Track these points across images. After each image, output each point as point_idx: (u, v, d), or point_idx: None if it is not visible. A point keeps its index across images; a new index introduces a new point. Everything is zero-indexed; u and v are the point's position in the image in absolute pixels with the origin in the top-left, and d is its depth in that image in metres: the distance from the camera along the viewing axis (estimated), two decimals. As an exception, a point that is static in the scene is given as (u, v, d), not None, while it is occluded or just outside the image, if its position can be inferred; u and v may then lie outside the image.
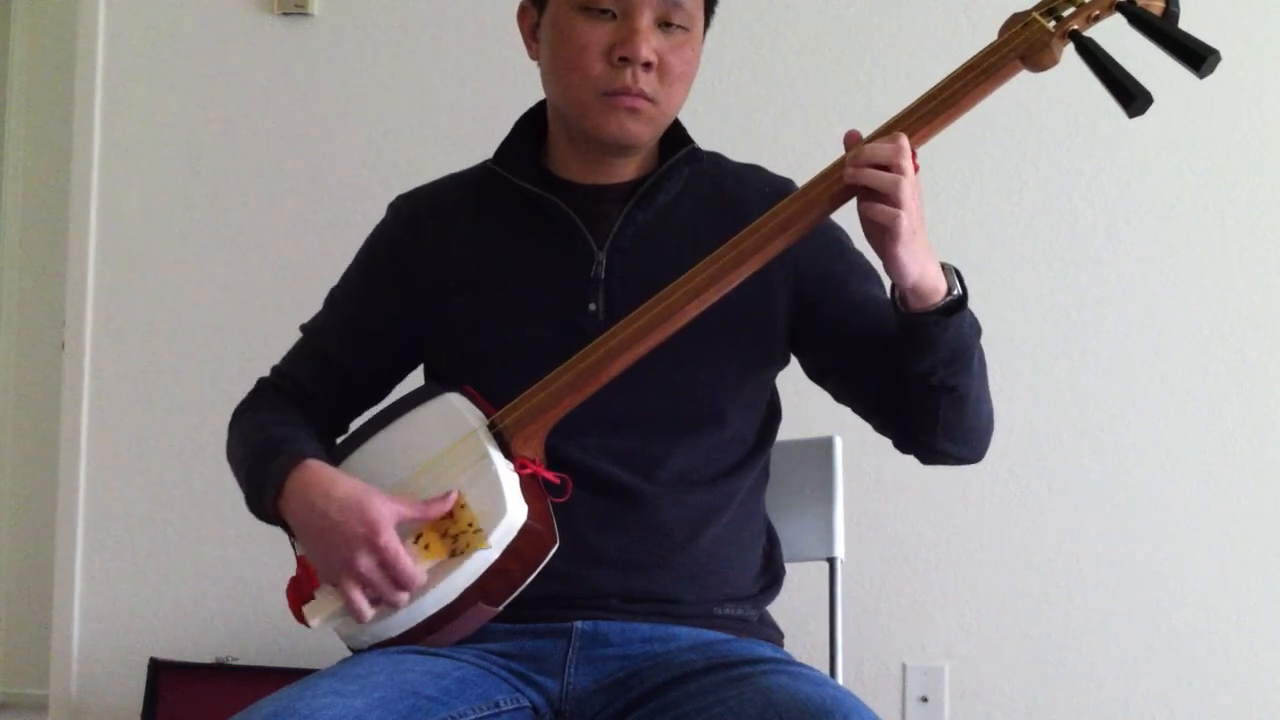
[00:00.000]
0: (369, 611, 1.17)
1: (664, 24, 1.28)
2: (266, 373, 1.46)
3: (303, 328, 1.47)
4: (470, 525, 1.17)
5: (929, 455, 1.34)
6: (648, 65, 1.27)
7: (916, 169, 1.16)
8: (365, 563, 1.15)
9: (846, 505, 1.67)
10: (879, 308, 1.32)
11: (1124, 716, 2.18)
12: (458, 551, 1.17)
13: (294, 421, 1.35)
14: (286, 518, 1.25)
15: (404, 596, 1.16)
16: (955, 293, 1.20)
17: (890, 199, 1.14)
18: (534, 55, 1.36)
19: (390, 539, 1.14)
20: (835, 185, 1.19)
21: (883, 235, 1.15)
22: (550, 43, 1.31)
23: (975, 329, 1.25)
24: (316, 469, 1.23)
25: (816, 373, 1.39)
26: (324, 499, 1.20)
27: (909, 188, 1.14)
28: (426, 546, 1.17)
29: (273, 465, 1.25)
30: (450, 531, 1.18)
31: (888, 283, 1.24)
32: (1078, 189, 2.24)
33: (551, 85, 1.34)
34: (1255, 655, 2.16)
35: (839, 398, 1.39)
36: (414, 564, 1.15)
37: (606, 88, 1.27)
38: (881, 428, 1.36)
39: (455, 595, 1.17)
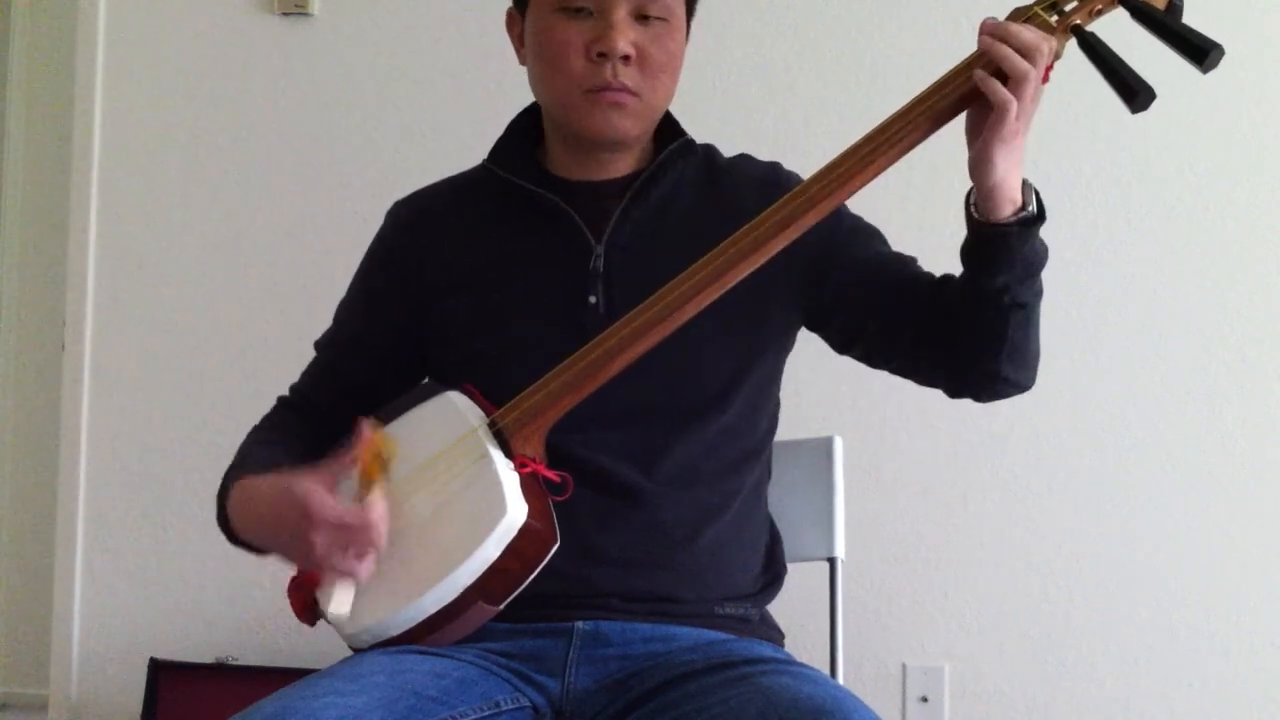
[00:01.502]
0: (361, 570, 1.15)
1: (641, 16, 1.28)
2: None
3: (315, 344, 1.48)
4: (387, 441, 1.19)
5: (989, 383, 1.29)
6: (626, 58, 1.27)
7: (1047, 79, 1.14)
8: (320, 538, 1.14)
9: (846, 505, 1.67)
10: (890, 263, 1.32)
11: (1124, 716, 2.18)
12: (389, 467, 1.18)
13: (272, 442, 1.36)
14: (248, 541, 1.27)
15: (377, 536, 1.14)
16: (1030, 209, 1.18)
17: (1015, 84, 1.12)
18: (523, 61, 1.37)
19: (321, 502, 1.13)
20: (959, 80, 1.16)
21: (990, 123, 1.13)
22: (533, 46, 1.32)
23: (1045, 250, 1.23)
24: (242, 485, 1.25)
25: (843, 342, 1.38)
26: (257, 507, 1.22)
27: (1035, 82, 1.13)
28: (367, 480, 1.18)
29: (220, 502, 1.30)
30: (380, 455, 1.19)
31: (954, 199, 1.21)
32: (1078, 189, 2.24)
33: (538, 87, 1.35)
34: (1255, 655, 2.16)
35: (872, 362, 1.37)
36: (363, 506, 1.14)
37: (589, 85, 1.28)
38: (930, 376, 1.33)
39: (455, 594, 1.17)
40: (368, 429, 1.20)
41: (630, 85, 1.28)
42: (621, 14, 1.27)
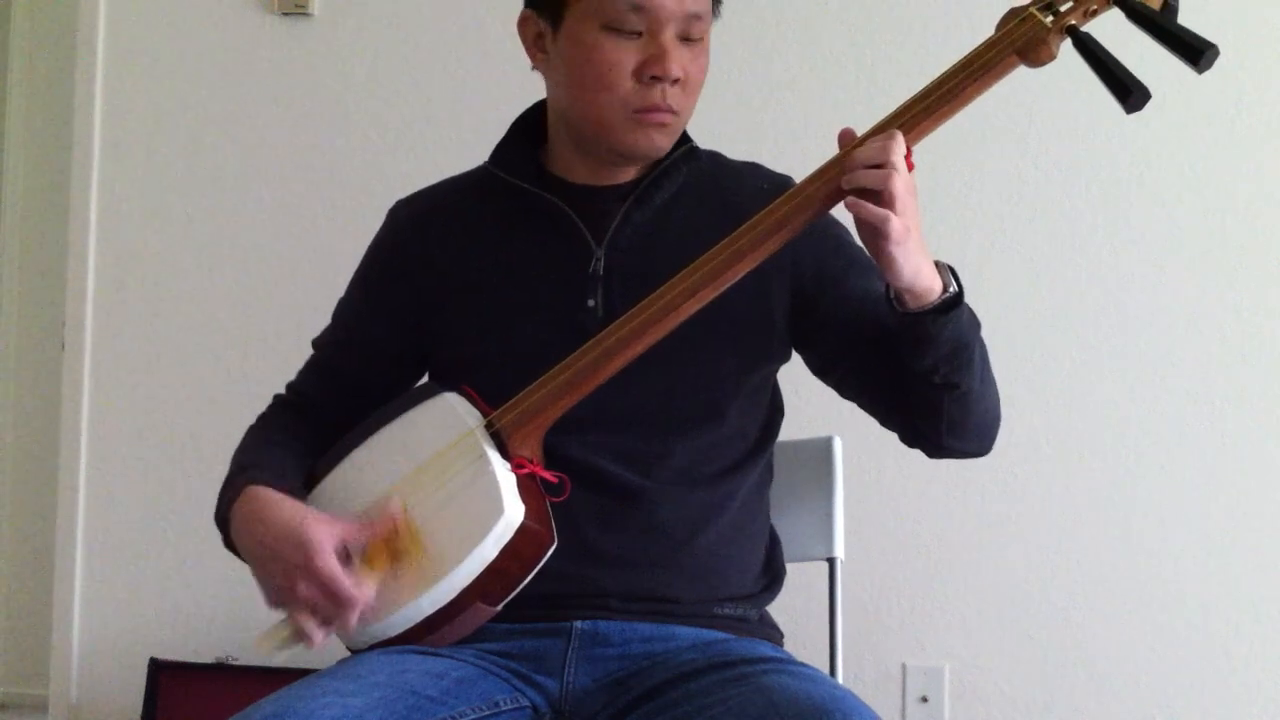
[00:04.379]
0: (317, 636, 1.16)
1: (685, 38, 1.28)
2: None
3: (313, 342, 1.47)
4: (412, 535, 1.17)
5: (936, 451, 1.34)
6: (675, 81, 1.27)
7: (911, 167, 1.15)
8: (304, 588, 1.14)
9: (846, 505, 1.67)
10: (879, 302, 1.32)
11: (1124, 716, 2.18)
12: (399, 561, 1.17)
13: (278, 442, 1.35)
14: (238, 549, 1.26)
15: (351, 617, 1.15)
16: (951, 290, 1.19)
17: (882, 197, 1.13)
18: (540, 67, 1.36)
19: (325, 563, 1.13)
20: (829, 185, 1.19)
21: (875, 235, 1.14)
22: (571, 59, 1.30)
23: (974, 325, 1.24)
24: (256, 497, 1.23)
25: (819, 368, 1.39)
26: (262, 527, 1.20)
27: (901, 185, 1.13)
28: (371, 563, 1.17)
29: (224, 497, 1.27)
30: (395, 545, 1.17)
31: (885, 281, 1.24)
32: (1078, 189, 2.23)
33: (570, 100, 1.32)
34: (1255, 655, 2.16)
35: (843, 393, 1.38)
36: (357, 583, 1.14)
37: (638, 105, 1.27)
38: (886, 422, 1.35)
39: (454, 595, 1.17)
40: (398, 509, 1.19)
41: (675, 106, 1.29)
42: (671, 36, 1.26)
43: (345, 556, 1.16)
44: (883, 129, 1.19)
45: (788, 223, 1.20)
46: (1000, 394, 1.34)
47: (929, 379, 1.23)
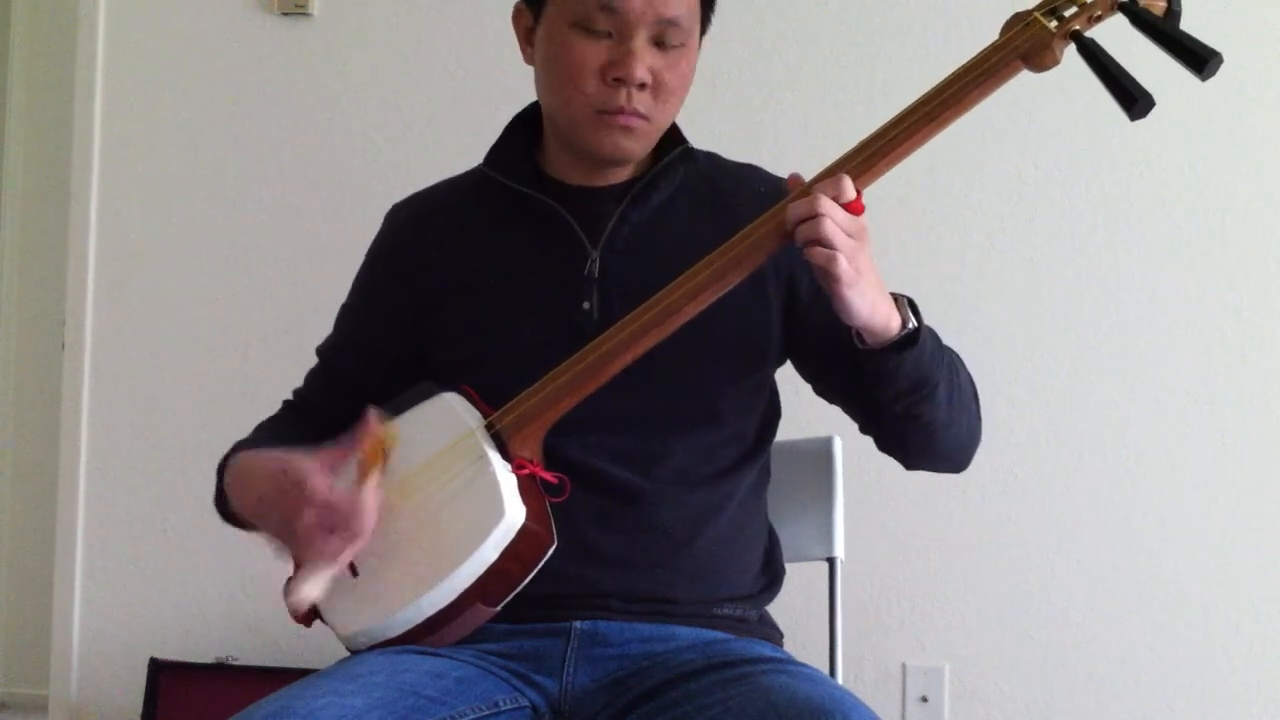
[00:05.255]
0: (341, 558, 1.14)
1: (659, 43, 1.27)
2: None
3: (317, 349, 1.48)
4: (391, 431, 1.18)
5: (907, 467, 1.37)
6: (642, 85, 1.27)
7: (860, 209, 1.15)
8: (309, 519, 1.14)
9: (846, 505, 1.67)
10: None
11: (1124, 716, 2.18)
12: (389, 456, 1.18)
13: (277, 433, 1.36)
14: (243, 517, 1.28)
15: (364, 526, 1.14)
16: (910, 325, 1.20)
17: (821, 245, 1.13)
18: (529, 60, 1.36)
19: (318, 487, 1.13)
20: (781, 226, 1.18)
21: (825, 278, 1.14)
22: (545, 56, 1.30)
23: (938, 359, 1.24)
24: (240, 461, 1.27)
25: (807, 375, 1.40)
26: (253, 481, 1.23)
27: (832, 230, 1.13)
28: (367, 473, 1.16)
29: (218, 480, 1.31)
30: (379, 446, 1.18)
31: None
32: (1078, 189, 2.24)
33: (545, 95, 1.34)
34: (1255, 655, 2.16)
35: (829, 399, 1.40)
36: (357, 495, 1.14)
37: (601, 106, 1.27)
38: (864, 431, 1.37)
39: (454, 596, 1.17)
40: (374, 419, 1.19)
41: (642, 110, 1.28)
42: (642, 40, 1.26)
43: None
44: (838, 168, 1.18)
45: (786, 229, 1.20)
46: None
47: (891, 409, 1.25)
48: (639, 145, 1.31)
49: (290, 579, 1.22)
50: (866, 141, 1.20)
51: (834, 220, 1.13)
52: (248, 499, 1.24)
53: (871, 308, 1.16)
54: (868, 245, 1.16)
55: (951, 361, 1.28)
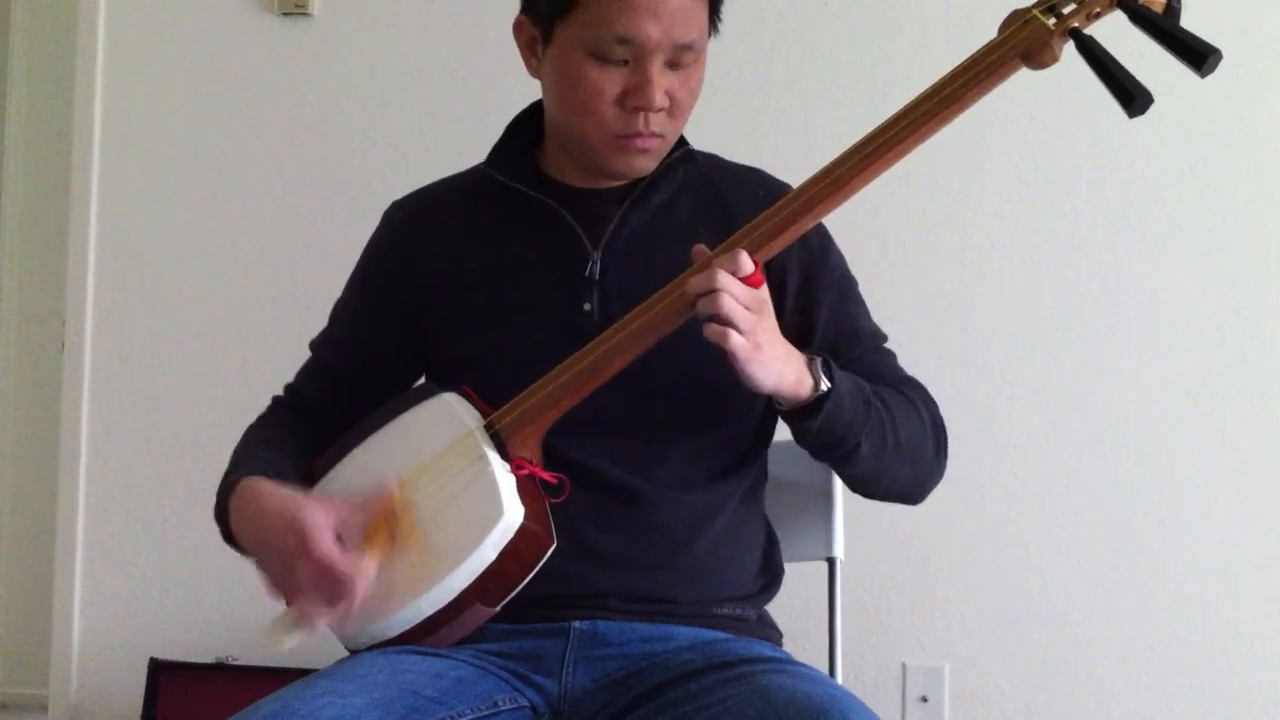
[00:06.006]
0: (321, 620, 1.15)
1: (673, 64, 1.27)
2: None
3: (311, 344, 1.47)
4: (406, 513, 1.17)
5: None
6: (659, 109, 1.27)
7: (759, 282, 1.16)
8: (304, 573, 1.14)
9: (846, 505, 1.67)
10: (855, 340, 1.36)
11: (1124, 716, 2.18)
12: (395, 541, 1.17)
13: (274, 440, 1.36)
14: (238, 542, 1.26)
15: (354, 596, 1.14)
16: (822, 388, 1.20)
17: (717, 320, 1.14)
18: (534, 72, 1.36)
19: (320, 545, 1.13)
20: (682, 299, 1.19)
21: (724, 354, 1.15)
22: (558, 79, 1.30)
23: (855, 421, 1.24)
24: (250, 488, 1.23)
25: None
26: (259, 516, 1.20)
27: (730, 306, 1.13)
28: (369, 542, 1.16)
29: (220, 492, 1.28)
30: (392, 525, 1.18)
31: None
32: (1078, 189, 2.23)
33: (559, 116, 1.33)
34: (1255, 655, 2.16)
35: None
36: (355, 562, 1.13)
37: (620, 131, 1.27)
38: None
39: (453, 596, 1.17)
40: (393, 486, 1.19)
41: (658, 130, 1.28)
42: (657, 67, 1.25)
43: (343, 540, 1.16)
44: (735, 244, 1.19)
45: (783, 231, 1.20)
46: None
47: (818, 458, 1.29)
48: (654, 162, 1.33)
49: (274, 619, 1.22)
50: (866, 139, 1.21)
51: (731, 295, 1.14)
52: (248, 532, 1.23)
53: (777, 377, 1.17)
54: (768, 318, 1.17)
55: (888, 417, 1.28)
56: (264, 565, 1.21)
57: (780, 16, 2.30)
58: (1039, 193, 2.24)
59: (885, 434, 1.28)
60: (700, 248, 1.21)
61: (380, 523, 1.17)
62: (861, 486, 1.35)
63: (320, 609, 1.14)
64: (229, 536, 1.28)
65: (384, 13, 2.40)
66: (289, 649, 1.16)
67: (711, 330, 1.14)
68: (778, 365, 1.17)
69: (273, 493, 1.21)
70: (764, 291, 1.17)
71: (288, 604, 1.18)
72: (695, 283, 1.16)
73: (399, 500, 1.19)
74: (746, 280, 1.15)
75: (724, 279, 1.14)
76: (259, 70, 2.43)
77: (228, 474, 1.30)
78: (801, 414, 1.21)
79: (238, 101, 2.43)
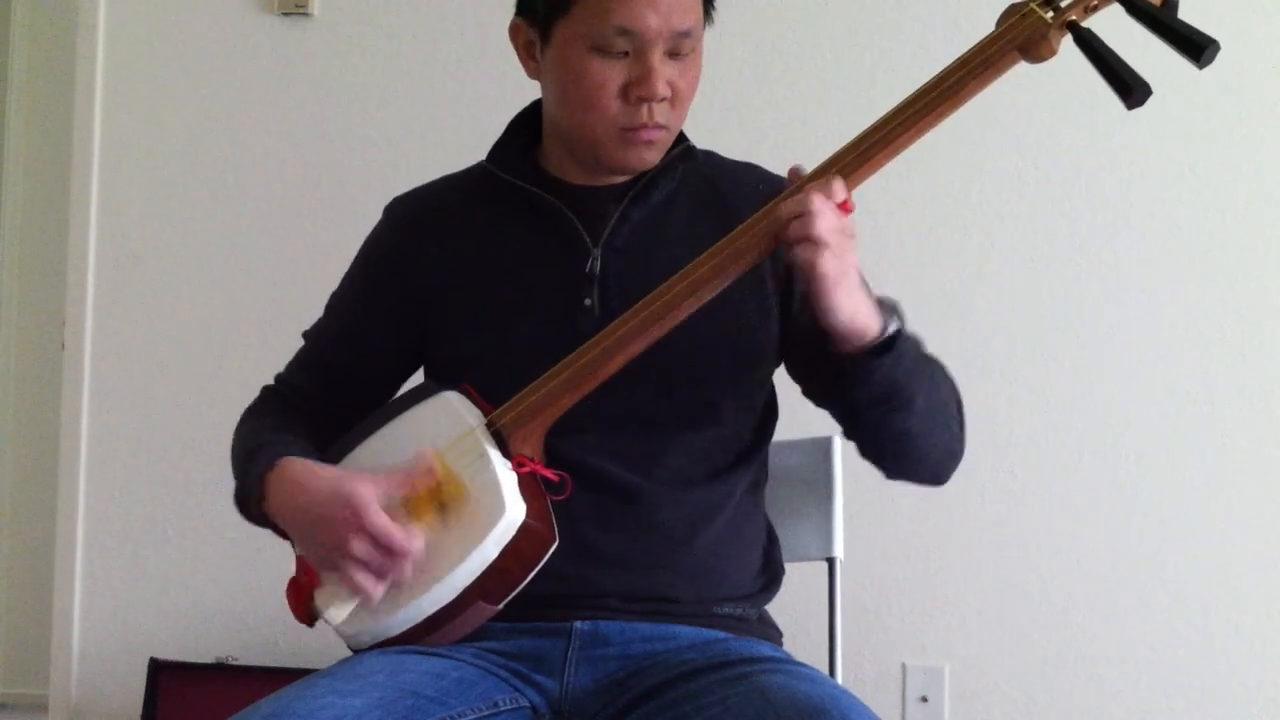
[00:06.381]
0: (376, 592, 1.17)
1: (672, 54, 1.27)
2: (269, 378, 1.47)
3: (304, 334, 1.47)
4: (452, 480, 1.18)
5: (882, 472, 1.35)
6: (662, 99, 1.27)
7: (850, 209, 1.16)
8: (358, 546, 1.15)
9: (846, 505, 1.67)
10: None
11: (1124, 716, 2.18)
12: (445, 506, 1.18)
13: (283, 426, 1.35)
14: (275, 520, 1.26)
15: (407, 566, 1.16)
16: (890, 331, 1.20)
17: (809, 243, 1.14)
18: (532, 74, 1.36)
19: (375, 516, 1.15)
20: (775, 223, 1.19)
21: (810, 274, 1.14)
22: (559, 78, 1.30)
23: (915, 369, 1.24)
24: (292, 466, 1.24)
25: (796, 375, 1.39)
26: (304, 494, 1.21)
27: (823, 228, 1.13)
28: (415, 514, 1.18)
29: (253, 471, 1.27)
30: (439, 495, 1.19)
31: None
32: (1078, 189, 2.23)
33: (561, 114, 1.33)
34: (1255, 655, 2.16)
35: (816, 403, 1.38)
36: (406, 533, 1.16)
37: (625, 124, 1.27)
38: (847, 436, 1.36)
39: (455, 594, 1.17)
40: (435, 461, 1.20)
41: (662, 121, 1.28)
42: (659, 57, 1.26)
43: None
44: (831, 165, 1.19)
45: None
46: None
47: (868, 413, 1.25)
48: (659, 155, 1.33)
49: (292, 579, 1.22)
50: (864, 135, 1.21)
51: (824, 218, 1.13)
52: (291, 513, 1.23)
53: (855, 308, 1.16)
54: (855, 247, 1.17)
55: (934, 374, 1.28)
56: (311, 539, 1.22)
57: (780, 16, 2.31)
58: (1039, 193, 2.24)
59: (934, 390, 1.27)
60: (796, 167, 1.21)
61: (425, 495, 1.19)
62: (905, 448, 1.29)
63: (373, 582, 1.16)
64: (255, 518, 1.29)
65: (384, 13, 2.41)
66: (341, 621, 1.18)
67: (804, 250, 1.14)
68: (860, 294, 1.17)
69: (315, 468, 1.23)
70: (853, 220, 1.17)
71: (319, 583, 1.20)
72: (789, 205, 1.16)
73: (442, 469, 1.19)
74: (839, 207, 1.16)
75: (818, 201, 1.14)
76: (259, 70, 2.43)
77: (250, 457, 1.29)
78: (864, 356, 1.19)
79: (238, 102, 2.44)
